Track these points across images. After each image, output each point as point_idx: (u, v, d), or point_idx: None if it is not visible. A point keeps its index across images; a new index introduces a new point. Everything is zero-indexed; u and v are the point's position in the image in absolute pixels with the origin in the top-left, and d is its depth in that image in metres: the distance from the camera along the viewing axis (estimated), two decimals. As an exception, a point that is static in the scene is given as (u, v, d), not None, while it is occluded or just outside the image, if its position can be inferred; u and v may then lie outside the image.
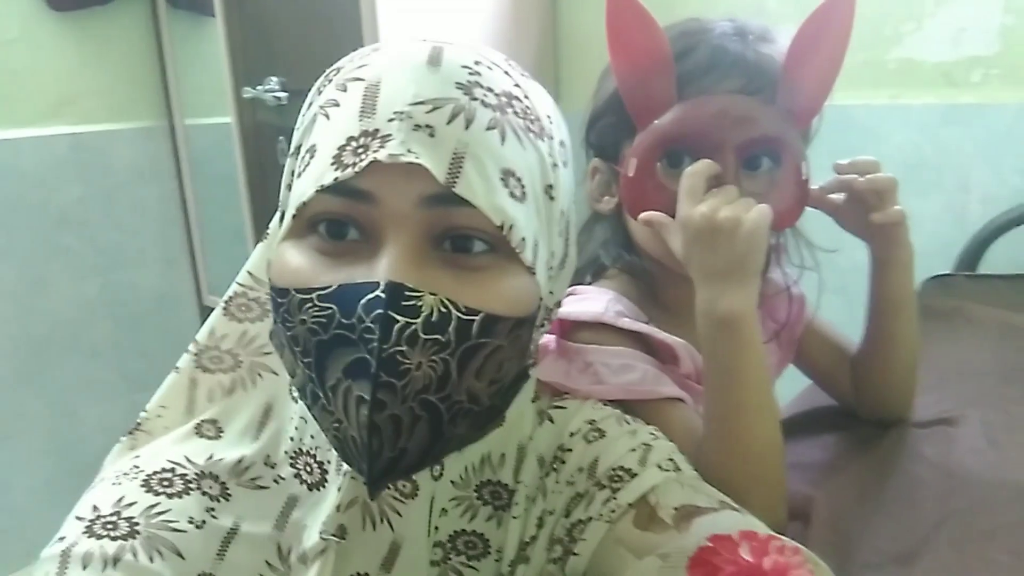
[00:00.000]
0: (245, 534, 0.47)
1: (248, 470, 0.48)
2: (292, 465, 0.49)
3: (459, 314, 0.40)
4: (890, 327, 0.79)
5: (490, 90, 0.43)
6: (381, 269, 0.40)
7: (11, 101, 1.83)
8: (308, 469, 0.49)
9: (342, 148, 0.41)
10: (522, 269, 0.44)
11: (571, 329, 0.72)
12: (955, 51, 1.40)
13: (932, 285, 1.26)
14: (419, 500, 0.49)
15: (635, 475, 0.50)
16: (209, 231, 2.16)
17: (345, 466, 0.47)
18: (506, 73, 0.46)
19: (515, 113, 0.44)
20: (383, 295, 0.39)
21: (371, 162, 0.40)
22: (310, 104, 0.46)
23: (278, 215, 0.48)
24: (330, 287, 0.40)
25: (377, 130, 0.41)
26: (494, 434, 0.51)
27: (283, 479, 0.49)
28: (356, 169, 0.40)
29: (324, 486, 0.48)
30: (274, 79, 1.75)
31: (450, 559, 0.51)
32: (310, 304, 0.40)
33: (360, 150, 0.40)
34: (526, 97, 0.46)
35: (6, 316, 1.86)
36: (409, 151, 0.40)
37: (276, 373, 0.52)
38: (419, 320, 0.39)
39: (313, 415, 0.44)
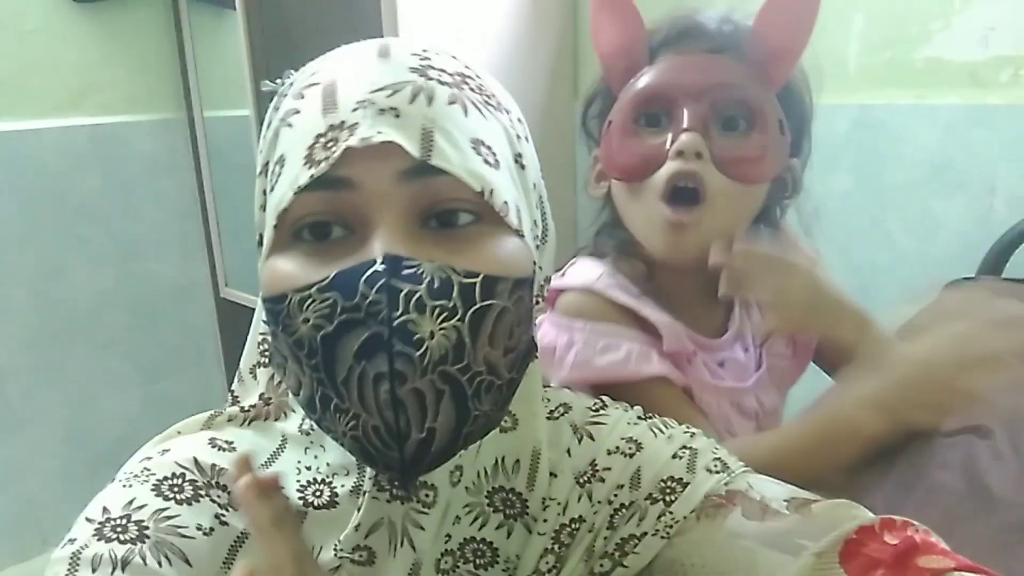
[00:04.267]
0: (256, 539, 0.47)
1: None
2: (300, 492, 0.48)
3: (460, 278, 0.41)
4: None
5: (443, 71, 0.44)
6: (375, 247, 0.40)
7: (31, 92, 1.84)
8: (317, 493, 0.48)
9: (311, 147, 0.41)
10: (510, 233, 0.44)
11: (560, 297, 0.76)
12: (983, 51, 1.37)
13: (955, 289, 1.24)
14: (438, 509, 0.49)
15: (687, 484, 0.50)
16: (226, 223, 2.16)
17: (366, 484, 0.47)
18: (454, 58, 0.47)
19: (471, 89, 0.45)
20: (382, 267, 0.39)
21: (345, 150, 0.40)
22: (269, 123, 0.46)
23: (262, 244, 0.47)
24: (327, 277, 0.40)
25: (343, 122, 0.41)
26: (508, 437, 0.51)
27: (287, 499, 0.48)
28: (330, 161, 0.40)
29: (335, 507, 0.48)
30: (293, 73, 1.74)
31: (458, 567, 0.50)
32: (310, 300, 0.40)
33: (330, 143, 0.41)
34: (478, 76, 0.47)
35: (23, 305, 1.88)
36: (379, 132, 0.40)
37: (295, 411, 0.51)
38: (422, 287, 0.39)
39: (325, 428, 0.43)
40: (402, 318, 0.38)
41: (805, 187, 0.79)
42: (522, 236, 0.45)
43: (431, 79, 0.43)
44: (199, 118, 2.09)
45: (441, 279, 0.40)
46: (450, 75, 0.44)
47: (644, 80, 0.72)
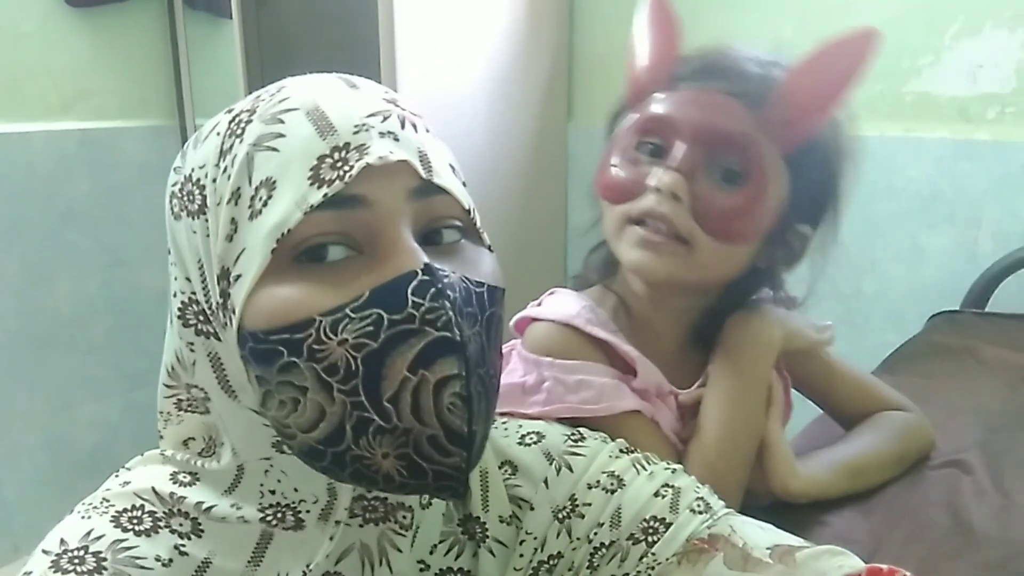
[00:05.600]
0: (218, 568, 0.46)
1: (211, 510, 0.46)
2: (261, 511, 0.47)
3: (473, 287, 0.42)
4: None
5: (406, 105, 0.46)
6: (404, 259, 0.40)
7: (23, 95, 1.82)
8: (280, 516, 0.47)
9: (316, 168, 0.41)
10: (485, 248, 0.47)
11: (531, 326, 0.74)
12: (971, 87, 1.39)
13: (940, 321, 1.25)
14: (420, 536, 0.48)
15: (669, 524, 0.50)
16: (215, 232, 2.15)
17: (339, 513, 0.46)
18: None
19: (424, 122, 0.47)
20: (427, 277, 0.40)
21: (364, 167, 0.40)
22: (226, 149, 0.43)
23: (191, 286, 0.45)
24: (361, 295, 0.39)
25: (348, 143, 0.41)
26: None
27: (248, 521, 0.47)
28: (348, 178, 0.40)
29: (302, 529, 0.47)
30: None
31: None
32: (345, 321, 0.39)
33: (339, 163, 0.41)
34: None
35: (6, 309, 1.85)
36: (391, 152, 0.41)
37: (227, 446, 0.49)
38: (458, 295, 0.41)
39: (348, 460, 0.41)
40: (459, 321, 0.40)
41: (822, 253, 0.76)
42: (492, 251, 0.47)
43: (404, 109, 0.45)
44: (191, 126, 2.08)
45: (463, 287, 0.41)
46: (412, 108, 0.46)
47: (650, 108, 0.70)
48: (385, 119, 0.43)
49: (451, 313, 0.39)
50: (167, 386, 0.50)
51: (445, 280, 0.40)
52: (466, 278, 0.42)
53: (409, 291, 0.39)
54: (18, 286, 1.86)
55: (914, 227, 1.46)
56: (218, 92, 2.02)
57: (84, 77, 1.91)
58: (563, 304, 0.74)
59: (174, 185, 0.46)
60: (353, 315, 0.39)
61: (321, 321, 0.39)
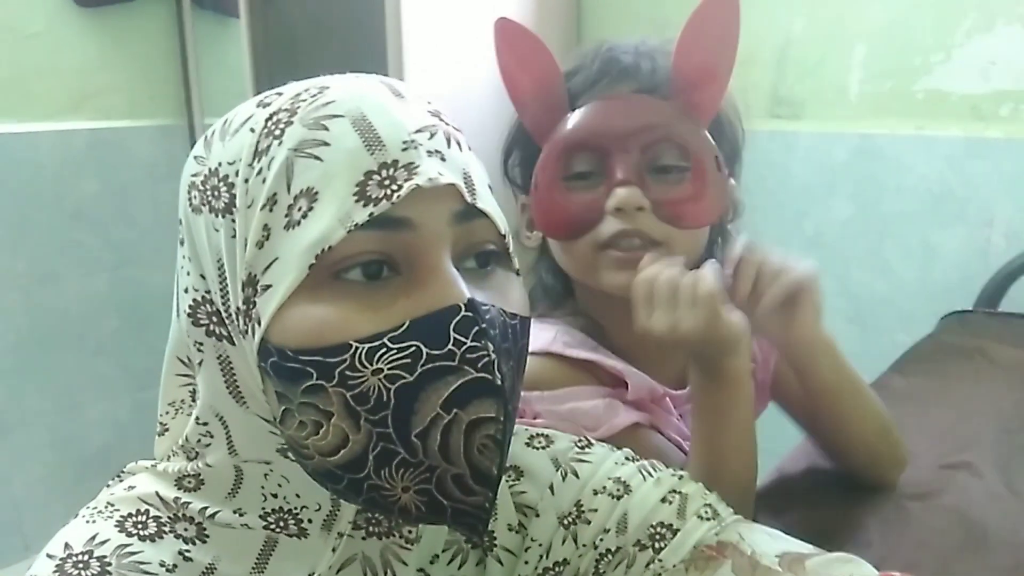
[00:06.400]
0: (222, 574, 0.45)
1: (216, 516, 0.46)
2: (263, 518, 0.46)
3: (508, 320, 0.42)
4: (838, 411, 0.73)
5: (447, 117, 0.44)
6: (446, 290, 0.39)
7: (32, 95, 1.83)
8: (282, 523, 0.46)
9: (362, 184, 0.39)
10: (514, 273, 0.46)
11: None
12: (984, 84, 1.38)
13: (952, 321, 1.24)
14: (421, 545, 0.48)
15: (676, 531, 0.49)
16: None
17: (342, 525, 0.46)
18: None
19: (465, 138, 0.45)
20: (470, 313, 0.38)
21: (413, 189, 0.39)
22: (262, 149, 0.41)
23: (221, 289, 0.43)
24: (401, 325, 0.38)
25: (396, 160, 0.40)
26: None
27: (251, 528, 0.46)
28: (395, 199, 0.39)
29: (304, 536, 0.46)
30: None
31: None
32: (383, 350, 0.38)
33: (387, 181, 0.39)
34: None
35: (14, 308, 1.86)
36: (440, 174, 0.40)
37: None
38: (497, 332, 0.40)
39: (374, 483, 0.40)
40: (498, 362, 0.39)
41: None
42: (520, 275, 0.46)
43: (448, 124, 0.43)
44: (200, 125, 2.08)
45: (500, 322, 0.40)
46: (453, 121, 0.44)
47: (569, 131, 0.68)
48: (432, 136, 0.41)
49: (493, 355, 0.38)
50: (183, 375, 0.48)
51: (487, 317, 0.39)
52: (503, 311, 0.41)
53: (451, 327, 0.38)
54: (26, 286, 1.87)
55: (925, 226, 1.45)
56: (226, 91, 2.02)
57: (92, 77, 1.92)
58: (536, 333, 0.72)
59: (195, 176, 0.44)
60: (391, 345, 0.38)
61: (357, 348, 0.38)
